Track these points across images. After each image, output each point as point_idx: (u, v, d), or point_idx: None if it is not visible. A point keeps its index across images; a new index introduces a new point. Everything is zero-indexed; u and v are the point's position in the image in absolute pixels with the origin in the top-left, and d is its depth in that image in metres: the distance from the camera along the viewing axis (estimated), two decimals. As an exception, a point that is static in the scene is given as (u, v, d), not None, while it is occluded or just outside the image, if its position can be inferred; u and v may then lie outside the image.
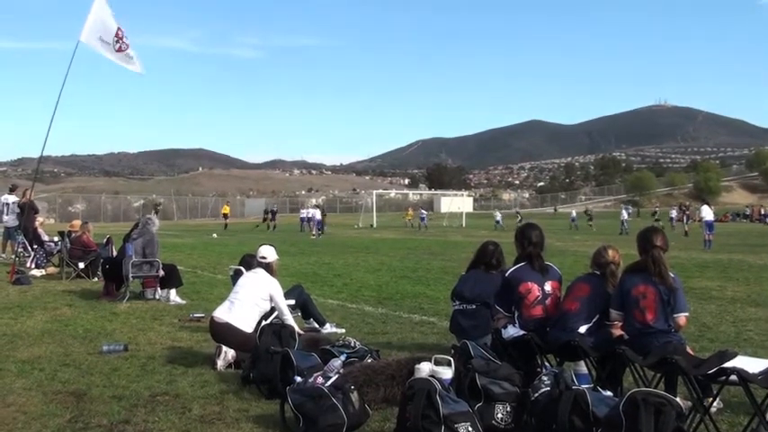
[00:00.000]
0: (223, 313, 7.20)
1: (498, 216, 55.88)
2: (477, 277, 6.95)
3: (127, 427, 5.00)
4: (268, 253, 7.78)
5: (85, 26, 11.23)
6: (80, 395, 5.76)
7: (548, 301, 6.03)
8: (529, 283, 6.06)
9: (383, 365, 5.76)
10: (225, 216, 49.90)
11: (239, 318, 7.12)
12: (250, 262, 8.87)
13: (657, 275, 5.22)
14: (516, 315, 6.08)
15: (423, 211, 54.15)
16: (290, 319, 7.50)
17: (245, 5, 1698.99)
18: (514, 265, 6.36)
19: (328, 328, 8.79)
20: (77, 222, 16.26)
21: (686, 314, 5.32)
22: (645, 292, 5.25)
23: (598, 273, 5.82)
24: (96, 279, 13.80)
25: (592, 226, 49.86)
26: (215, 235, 35.19)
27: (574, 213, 56.11)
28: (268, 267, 7.68)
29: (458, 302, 6.97)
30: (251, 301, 7.29)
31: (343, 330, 8.77)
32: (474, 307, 6.73)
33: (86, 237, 14.95)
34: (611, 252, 5.85)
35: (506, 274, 6.32)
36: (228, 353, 6.80)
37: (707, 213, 27.97)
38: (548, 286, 6.08)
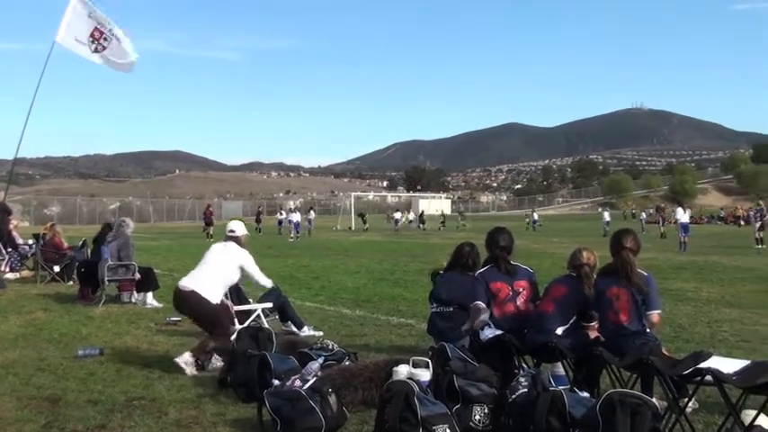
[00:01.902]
0: (189, 282, 7.02)
1: (397, 216, 56.18)
2: (453, 279, 6.97)
3: (102, 431, 4.96)
4: (237, 227, 7.62)
5: (61, 27, 11.14)
6: (55, 400, 5.71)
7: (519, 300, 6.10)
8: (498, 282, 6.14)
9: (361, 368, 5.76)
10: (207, 223, 49.37)
11: (206, 287, 6.94)
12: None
13: (625, 277, 5.27)
14: (490, 314, 6.12)
15: (398, 213, 55.24)
16: (264, 280, 7.55)
17: (224, 8, 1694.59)
18: (483, 267, 6.46)
19: (306, 331, 8.76)
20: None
21: (658, 311, 5.37)
22: (618, 293, 5.31)
23: (574, 274, 5.86)
24: (71, 282, 13.69)
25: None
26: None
27: (536, 216, 56.60)
28: (237, 241, 7.52)
29: (435, 305, 7.01)
30: (219, 272, 7.14)
31: (321, 333, 8.75)
32: (451, 309, 6.76)
33: (57, 239, 14.83)
34: (585, 254, 5.89)
35: (475, 275, 6.43)
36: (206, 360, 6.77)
37: (681, 215, 28.13)
38: (516, 286, 6.15)
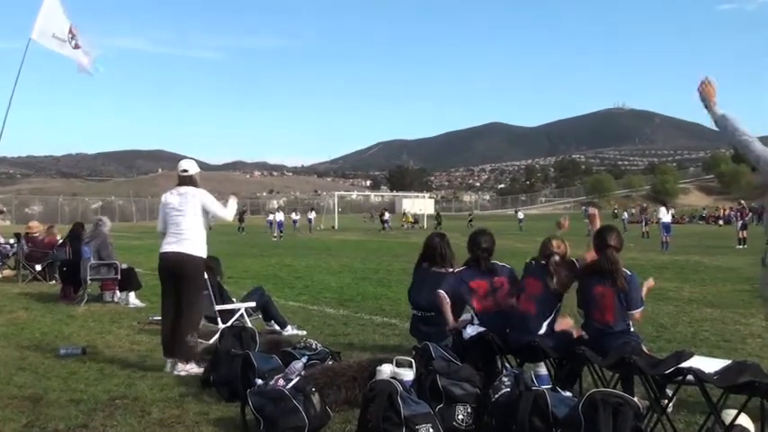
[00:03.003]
0: (172, 246, 6.90)
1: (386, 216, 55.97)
2: (429, 283, 6.92)
3: (85, 431, 4.93)
4: (189, 165, 7.24)
5: (36, 23, 11.00)
6: (37, 399, 5.67)
7: (498, 294, 6.16)
8: (477, 280, 6.22)
9: (344, 367, 5.75)
10: None
11: (189, 246, 6.86)
12: (208, 264, 8.80)
13: (611, 276, 5.29)
14: (472, 311, 6.20)
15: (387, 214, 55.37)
16: (226, 213, 7.17)
17: (206, 7, 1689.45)
18: (463, 266, 6.53)
19: (290, 330, 8.75)
20: (35, 224, 16.02)
21: (640, 310, 5.39)
22: (603, 292, 5.31)
23: (543, 262, 5.87)
24: (54, 282, 13.61)
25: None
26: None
27: (521, 215, 56.50)
28: (191, 180, 7.13)
29: (416, 310, 7.05)
30: (193, 223, 6.90)
31: (305, 332, 8.74)
32: (432, 314, 6.77)
33: (49, 239, 14.80)
34: (555, 242, 5.90)
35: (455, 272, 6.53)
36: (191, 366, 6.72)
37: (664, 215, 28.20)
38: (496, 282, 6.21)
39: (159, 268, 7.09)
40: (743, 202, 35.30)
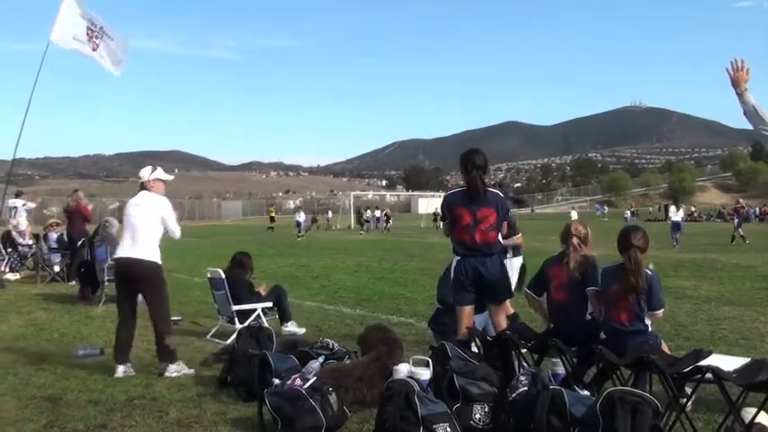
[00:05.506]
0: (126, 251, 6.89)
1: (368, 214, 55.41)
2: None
3: (103, 431, 4.96)
4: (143, 172, 7.22)
5: (56, 25, 11.07)
6: (56, 400, 5.71)
7: (480, 227, 6.04)
8: (462, 208, 6.12)
9: (349, 368, 5.75)
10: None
11: (144, 251, 6.82)
12: (240, 260, 8.89)
13: (632, 276, 5.21)
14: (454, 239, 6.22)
15: (377, 212, 55.01)
16: (177, 232, 7.09)
17: (222, 6, 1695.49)
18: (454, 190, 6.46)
19: (288, 327, 8.86)
20: (55, 221, 16.14)
21: (661, 311, 5.34)
22: (621, 292, 5.25)
23: (563, 247, 5.85)
24: (74, 283, 13.69)
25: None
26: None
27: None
28: (145, 186, 7.12)
29: (441, 305, 7.08)
30: (149, 230, 6.90)
31: (303, 330, 8.85)
32: None
33: (81, 206, 14.71)
34: (574, 225, 5.89)
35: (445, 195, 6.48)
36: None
37: (673, 214, 28.22)
38: (480, 214, 6.05)
39: (114, 273, 7.24)
40: (741, 200, 35.73)
